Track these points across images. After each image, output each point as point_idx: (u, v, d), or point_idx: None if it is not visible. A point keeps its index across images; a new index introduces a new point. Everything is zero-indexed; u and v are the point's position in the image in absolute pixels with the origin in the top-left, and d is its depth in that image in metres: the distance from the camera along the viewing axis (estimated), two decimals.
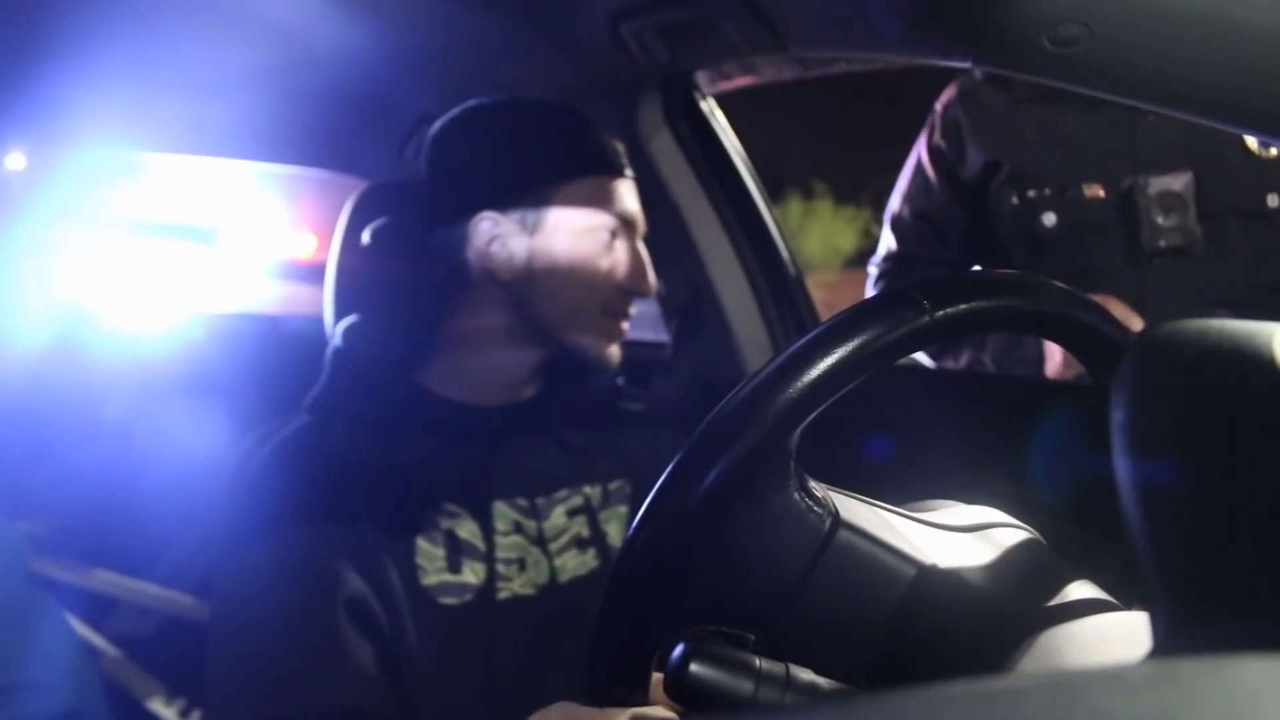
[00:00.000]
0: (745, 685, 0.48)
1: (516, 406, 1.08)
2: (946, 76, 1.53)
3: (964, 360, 1.44)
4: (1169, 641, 0.29)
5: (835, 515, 0.51)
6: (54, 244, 2.17)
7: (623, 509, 1.10)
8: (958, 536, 0.54)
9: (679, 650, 0.49)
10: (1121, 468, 0.32)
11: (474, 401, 1.05)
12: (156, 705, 1.67)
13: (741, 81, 1.35)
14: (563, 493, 1.06)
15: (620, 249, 1.05)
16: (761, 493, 0.50)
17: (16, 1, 1.05)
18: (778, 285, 1.41)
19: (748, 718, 0.42)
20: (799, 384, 0.47)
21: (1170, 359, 0.32)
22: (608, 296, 1.04)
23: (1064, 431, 1.01)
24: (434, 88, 1.39)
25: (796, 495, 0.50)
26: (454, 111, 1.07)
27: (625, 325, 1.07)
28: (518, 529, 1.02)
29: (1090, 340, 0.53)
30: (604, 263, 1.03)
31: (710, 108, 1.41)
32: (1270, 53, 0.62)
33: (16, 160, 1.70)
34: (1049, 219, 1.39)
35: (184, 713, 1.68)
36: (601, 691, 0.52)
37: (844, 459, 0.84)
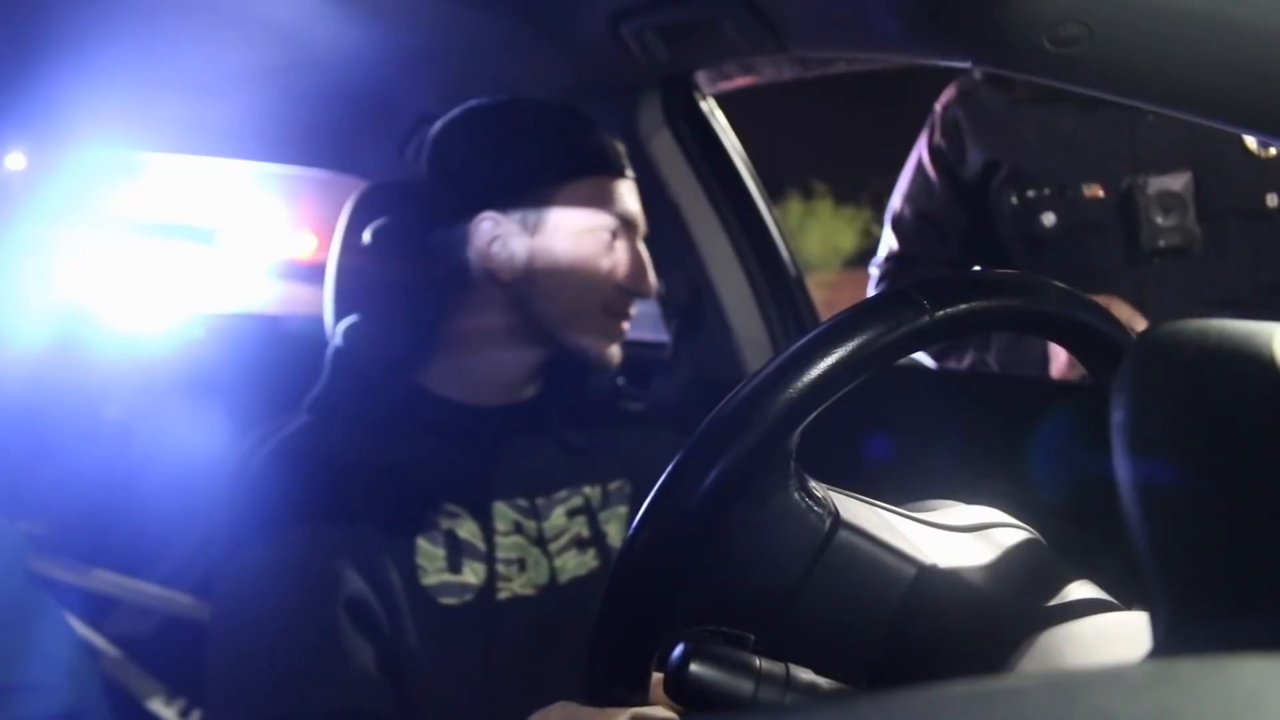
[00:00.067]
0: (745, 685, 0.49)
1: (517, 407, 1.08)
2: (946, 76, 1.53)
3: (968, 361, 1.44)
4: (1169, 641, 0.29)
5: (835, 515, 0.51)
6: (54, 244, 2.17)
7: (622, 509, 1.10)
8: (958, 536, 0.54)
9: (679, 650, 0.49)
10: (1121, 468, 0.32)
11: (474, 401, 1.05)
12: (156, 705, 1.67)
13: (741, 81, 1.35)
14: (563, 493, 1.06)
15: (621, 249, 1.05)
16: (761, 493, 0.50)
17: (16, 1, 1.05)
18: (778, 285, 1.41)
19: (748, 718, 0.42)
20: (799, 384, 0.47)
21: (1170, 359, 0.32)
22: (608, 297, 1.04)
23: (1064, 431, 1.01)
24: (434, 88, 1.39)
25: (796, 495, 0.50)
26: (454, 111, 1.07)
27: (625, 325, 1.07)
28: (518, 529, 1.02)
29: (1090, 340, 0.53)
30: (604, 263, 1.03)
31: (710, 108, 1.41)
32: (1270, 53, 0.62)
33: (16, 160, 1.70)
34: (1048, 219, 1.39)
35: (184, 713, 1.68)
36: (601, 691, 0.52)
37: (844, 459, 0.84)
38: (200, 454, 1.46)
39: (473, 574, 0.99)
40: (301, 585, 0.92)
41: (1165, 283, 1.34)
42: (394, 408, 1.03)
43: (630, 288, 1.05)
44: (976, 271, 0.53)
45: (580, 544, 1.06)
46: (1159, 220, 1.33)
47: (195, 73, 1.30)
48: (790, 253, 1.44)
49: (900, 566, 0.51)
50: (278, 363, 1.59)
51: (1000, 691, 0.21)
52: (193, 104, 1.40)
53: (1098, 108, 1.38)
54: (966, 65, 0.80)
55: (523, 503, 1.03)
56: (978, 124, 1.46)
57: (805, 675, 0.50)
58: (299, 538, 0.94)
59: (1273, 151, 1.34)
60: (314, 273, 1.31)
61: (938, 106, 1.51)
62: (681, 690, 0.49)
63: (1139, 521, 0.30)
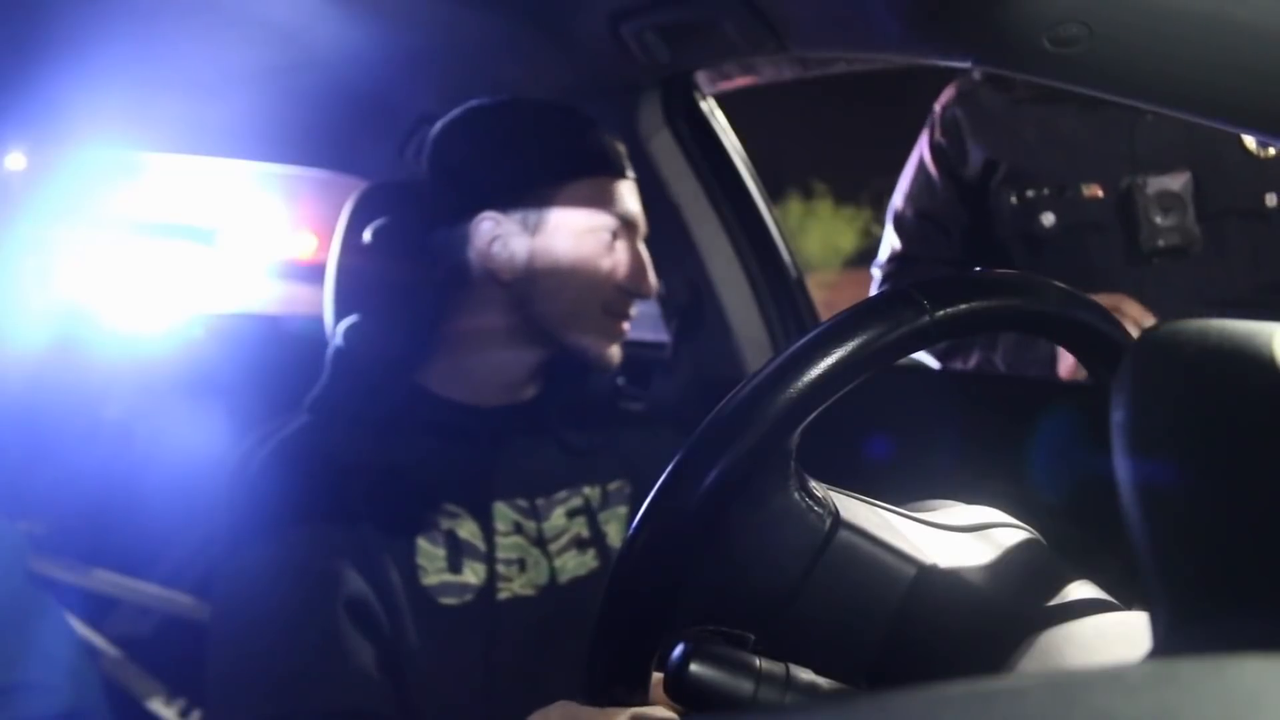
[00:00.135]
0: (745, 685, 0.49)
1: (517, 407, 1.08)
2: (946, 76, 1.53)
3: (974, 361, 1.44)
4: (1169, 641, 0.29)
5: (835, 515, 0.51)
6: (54, 244, 2.17)
7: (622, 509, 1.10)
8: (958, 536, 0.54)
9: (679, 650, 0.49)
10: (1121, 468, 0.32)
11: (474, 402, 1.05)
12: (156, 705, 1.67)
13: (741, 81, 1.35)
14: (562, 493, 1.06)
15: (621, 250, 1.05)
16: (761, 493, 0.50)
17: (16, 1, 1.05)
18: (778, 285, 1.41)
19: (748, 718, 0.42)
20: (799, 384, 0.47)
21: (1170, 359, 0.32)
22: (608, 297, 1.04)
23: (1064, 431, 1.01)
24: (434, 88, 1.39)
25: (796, 495, 0.50)
26: (455, 112, 1.07)
27: (626, 326, 1.07)
28: (518, 529, 1.02)
29: (1090, 340, 0.53)
30: (605, 263, 1.03)
31: (710, 108, 1.41)
32: (1270, 53, 0.62)
33: (16, 160, 1.70)
34: (1048, 219, 1.39)
35: (184, 713, 1.68)
36: (601, 691, 0.52)
37: (844, 459, 0.84)
38: (200, 454, 1.46)
39: (473, 574, 0.99)
40: (301, 585, 0.92)
41: (1164, 283, 1.34)
42: (394, 408, 1.03)
43: (630, 288, 1.05)
44: (977, 271, 0.53)
45: (580, 544, 1.06)
46: (1158, 220, 1.33)
47: (195, 73, 1.30)
48: (790, 253, 1.44)
49: (900, 566, 0.51)
50: (278, 363, 1.59)
51: (1000, 691, 0.21)
52: (193, 104, 1.40)
53: (1097, 108, 1.38)
54: (966, 65, 0.80)
55: (523, 503, 1.03)
56: (977, 124, 1.46)
57: (805, 675, 0.50)
58: (299, 538, 0.94)
59: (1272, 151, 1.34)
60: (314, 273, 1.31)
61: (937, 107, 1.51)
62: (681, 690, 0.49)
63: (1139, 521, 0.30)
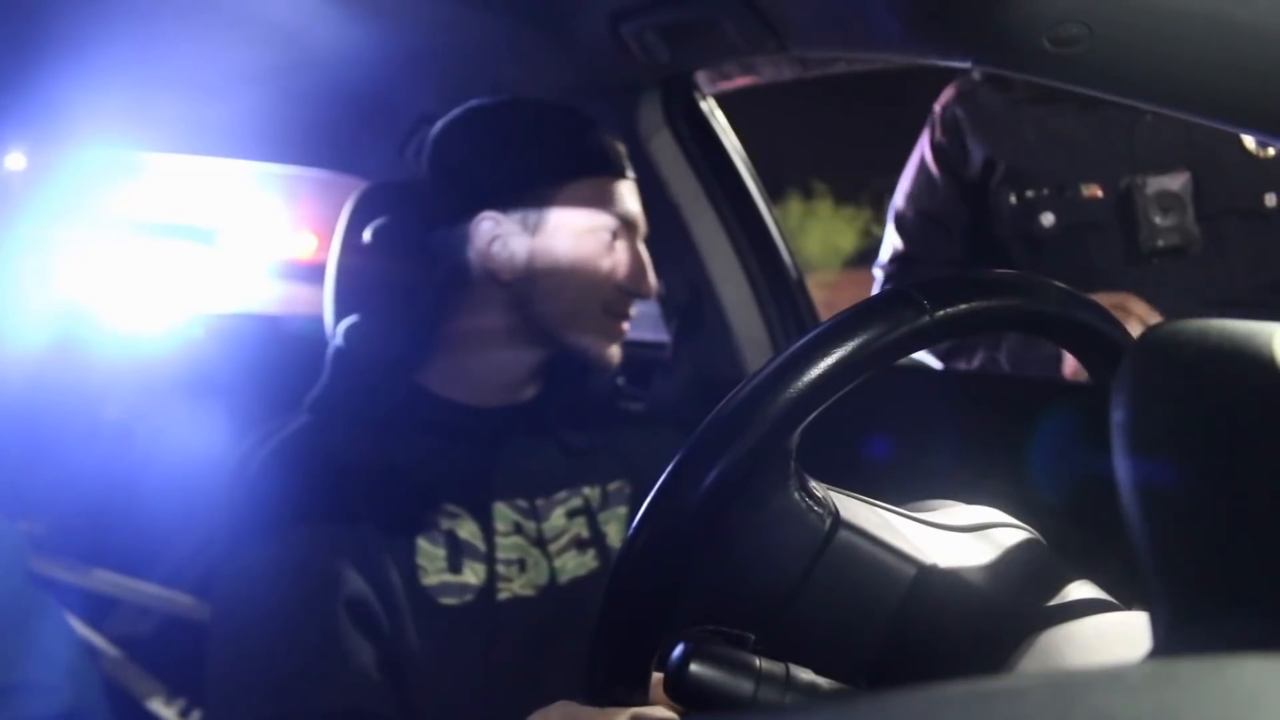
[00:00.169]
0: (745, 685, 0.49)
1: (517, 407, 1.08)
2: (946, 76, 1.53)
3: (978, 361, 1.44)
4: (1169, 641, 0.29)
5: (835, 515, 0.51)
6: (54, 244, 2.17)
7: (622, 510, 1.10)
8: (958, 536, 0.54)
9: (679, 650, 0.49)
10: (1121, 468, 0.32)
11: (474, 402, 1.05)
12: (156, 705, 1.67)
13: (741, 81, 1.35)
14: (562, 494, 1.06)
15: (621, 250, 1.05)
16: (761, 493, 0.50)
17: (16, 1, 1.05)
18: (778, 285, 1.41)
19: (748, 718, 0.42)
20: (799, 384, 0.47)
21: (1170, 359, 0.32)
22: (608, 297, 1.04)
23: (1064, 431, 1.01)
24: (434, 88, 1.39)
25: (796, 495, 0.50)
26: (455, 112, 1.07)
27: (625, 326, 1.07)
28: (518, 530, 1.02)
29: (1090, 340, 0.53)
30: (604, 263, 1.03)
31: (710, 108, 1.41)
32: (1270, 53, 0.62)
33: (16, 160, 1.70)
34: (1047, 219, 1.39)
35: (184, 713, 1.68)
36: (601, 691, 0.52)
37: (844, 459, 0.84)
38: (200, 454, 1.46)
39: (473, 574, 0.99)
40: (301, 585, 0.92)
41: (1164, 283, 1.34)
42: (394, 408, 1.03)
43: (630, 288, 1.05)
44: (977, 271, 0.53)
45: (580, 545, 1.06)
46: (1157, 220, 1.33)
47: (195, 73, 1.30)
48: (790, 253, 1.44)
49: (900, 566, 0.51)
50: (278, 363, 1.59)
51: (1000, 691, 0.21)
52: (193, 104, 1.40)
53: (1097, 108, 1.38)
54: (966, 65, 0.80)
55: (523, 503, 1.04)
56: (978, 123, 1.46)
57: (805, 675, 0.50)
58: (299, 538, 0.94)
59: (1271, 151, 1.34)
60: (314, 273, 1.31)
61: (937, 107, 1.51)
62: (681, 690, 0.49)
63: (1139, 521, 0.30)
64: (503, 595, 0.99)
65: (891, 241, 1.56)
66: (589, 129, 1.06)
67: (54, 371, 1.77)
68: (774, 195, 1.54)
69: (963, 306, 0.49)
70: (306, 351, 1.19)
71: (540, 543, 1.03)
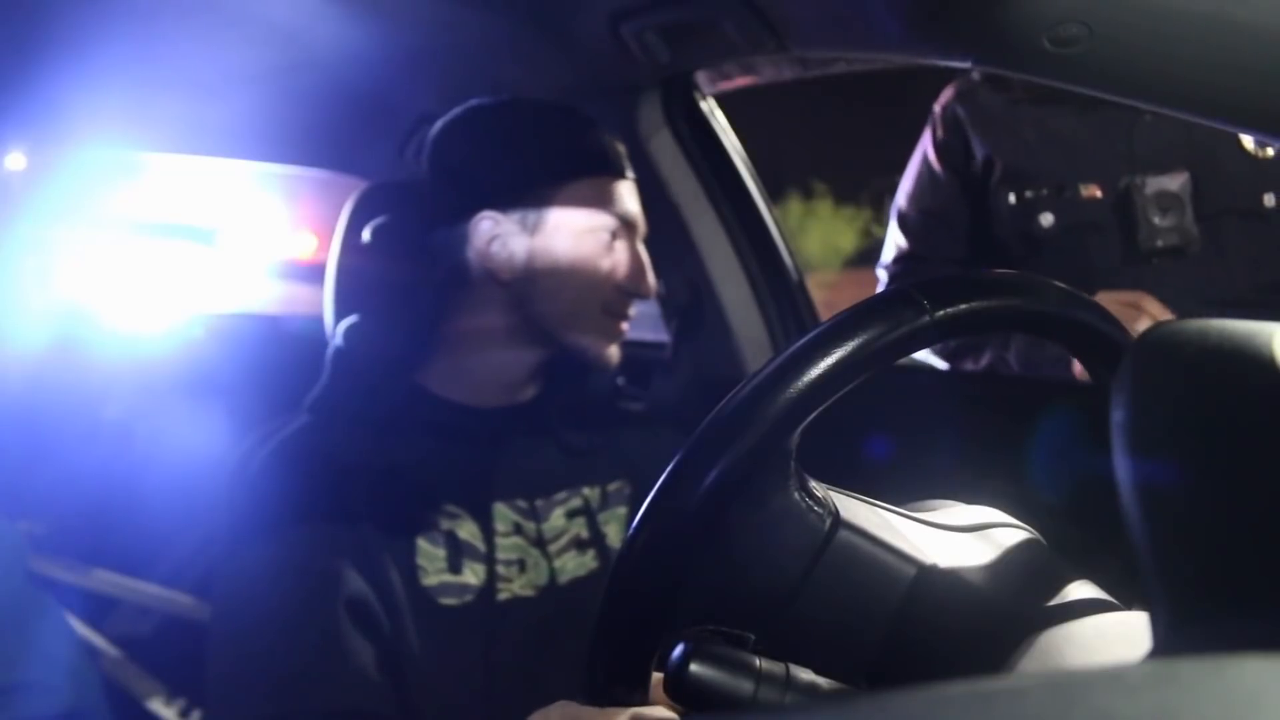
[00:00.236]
0: (745, 685, 0.49)
1: (516, 407, 1.08)
2: (946, 76, 1.53)
3: (986, 360, 1.44)
4: (1169, 641, 0.29)
5: (835, 515, 0.51)
6: (54, 244, 2.17)
7: (622, 510, 1.10)
8: (958, 536, 0.54)
9: (679, 650, 0.49)
10: (1121, 468, 0.32)
11: (474, 402, 1.05)
12: (156, 705, 1.67)
13: (741, 81, 1.35)
14: (562, 494, 1.06)
15: (620, 250, 1.05)
16: (761, 493, 0.50)
17: (16, 1, 1.05)
18: (778, 285, 1.41)
19: (748, 718, 0.42)
20: (799, 384, 0.47)
21: (1170, 359, 0.32)
22: (608, 297, 1.04)
23: (1064, 431, 1.01)
24: (434, 88, 1.39)
25: (796, 495, 0.50)
26: (454, 111, 1.07)
27: (625, 326, 1.07)
28: (517, 530, 1.02)
29: (1090, 340, 0.53)
30: (604, 263, 1.03)
31: (710, 108, 1.41)
32: (1270, 53, 0.62)
33: (16, 160, 1.70)
34: (1046, 219, 1.39)
35: (184, 713, 1.68)
36: (601, 691, 0.52)
37: (844, 459, 0.84)
38: (200, 454, 1.46)
39: (473, 575, 0.99)
40: (301, 585, 0.92)
41: (1163, 283, 1.34)
42: (394, 408, 1.03)
43: (630, 288, 1.05)
44: (977, 271, 0.53)
45: (579, 545, 1.06)
46: (1157, 220, 1.33)
47: (195, 73, 1.30)
48: (790, 253, 1.44)
49: (900, 566, 0.51)
50: (278, 363, 1.59)
51: (1000, 691, 0.21)
52: (193, 104, 1.40)
53: (1096, 108, 1.38)
54: (966, 65, 0.80)
55: (522, 504, 1.04)
56: (978, 121, 1.46)
57: (805, 675, 0.50)
58: (299, 538, 0.94)
59: (1270, 151, 1.34)
60: (314, 273, 1.31)
61: (937, 106, 1.51)
62: (681, 690, 0.49)
63: (1139, 521, 0.30)
64: (502, 595, 0.99)
65: (895, 241, 1.56)
66: (589, 129, 1.06)
67: (54, 371, 1.77)
68: (774, 195, 1.54)
69: (963, 306, 0.49)
70: (306, 351, 1.19)
71: (540, 543, 1.03)
